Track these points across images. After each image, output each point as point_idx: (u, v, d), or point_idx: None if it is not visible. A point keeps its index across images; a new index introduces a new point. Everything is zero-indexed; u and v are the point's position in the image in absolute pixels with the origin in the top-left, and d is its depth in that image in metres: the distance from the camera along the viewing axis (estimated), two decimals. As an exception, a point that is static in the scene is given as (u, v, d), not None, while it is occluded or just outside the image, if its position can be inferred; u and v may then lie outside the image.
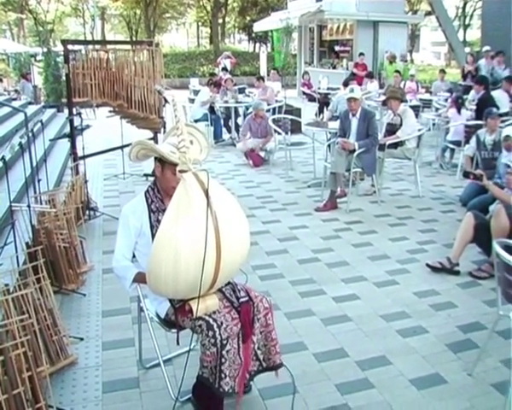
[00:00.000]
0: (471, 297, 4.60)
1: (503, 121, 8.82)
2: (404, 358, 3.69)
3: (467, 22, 42.02)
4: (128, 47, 7.58)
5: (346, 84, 9.34)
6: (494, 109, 7.24)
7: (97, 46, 7.46)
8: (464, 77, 14.09)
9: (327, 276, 4.97)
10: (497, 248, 3.20)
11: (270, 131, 9.12)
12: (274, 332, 3.09)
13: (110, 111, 7.17)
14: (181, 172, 2.72)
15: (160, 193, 3.15)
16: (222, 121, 11.60)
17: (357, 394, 3.29)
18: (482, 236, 4.77)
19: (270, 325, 3.06)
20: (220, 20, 40.61)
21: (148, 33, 35.47)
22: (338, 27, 22.91)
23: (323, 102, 13.97)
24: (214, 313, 2.87)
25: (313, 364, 3.60)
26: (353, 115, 6.97)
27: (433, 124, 11.82)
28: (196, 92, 13.15)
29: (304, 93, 16.33)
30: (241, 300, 2.98)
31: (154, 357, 3.28)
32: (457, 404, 3.22)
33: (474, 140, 7.23)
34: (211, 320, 2.81)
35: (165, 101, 7.14)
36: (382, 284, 4.83)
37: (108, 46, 7.62)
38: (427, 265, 5.12)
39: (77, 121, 6.67)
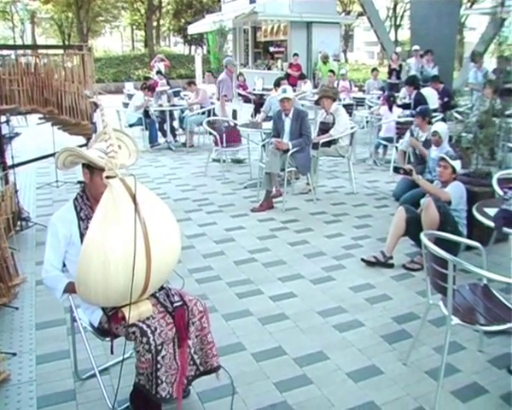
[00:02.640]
0: (405, 289, 4.74)
1: (432, 117, 9.11)
2: (341, 352, 3.76)
3: (398, 22, 43.05)
4: (58, 51, 7.40)
5: (277, 84, 9.39)
6: (426, 109, 7.44)
7: (26, 51, 7.24)
8: (390, 74, 14.47)
9: (264, 276, 5.00)
10: (424, 239, 3.30)
11: None
12: (210, 335, 3.08)
13: (40, 118, 6.99)
14: (108, 177, 2.67)
15: (89, 200, 3.09)
16: (157, 125, 11.48)
17: (296, 390, 3.33)
18: (414, 229, 4.90)
19: (205, 328, 3.06)
20: (155, 23, 40.19)
21: (81, 37, 34.65)
22: (272, 28, 23.12)
23: (259, 102, 14.04)
24: (148, 318, 2.84)
25: (251, 364, 3.61)
26: (286, 115, 7.04)
27: (367, 121, 12.08)
28: (131, 97, 12.97)
29: (239, 94, 16.36)
30: (176, 304, 2.96)
31: (91, 367, 3.21)
32: (393, 393, 3.31)
33: (407, 135, 7.43)
34: (144, 326, 2.78)
35: (96, 106, 7.01)
36: (319, 280, 4.90)
37: (38, 51, 7.41)
38: (362, 259, 5.24)
39: (5, 129, 6.46)
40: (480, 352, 3.78)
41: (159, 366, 2.77)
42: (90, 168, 2.96)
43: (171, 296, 3.00)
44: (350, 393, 3.31)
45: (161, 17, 42.95)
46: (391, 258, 5.15)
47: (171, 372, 2.83)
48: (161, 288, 3.03)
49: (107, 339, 3.01)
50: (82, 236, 2.98)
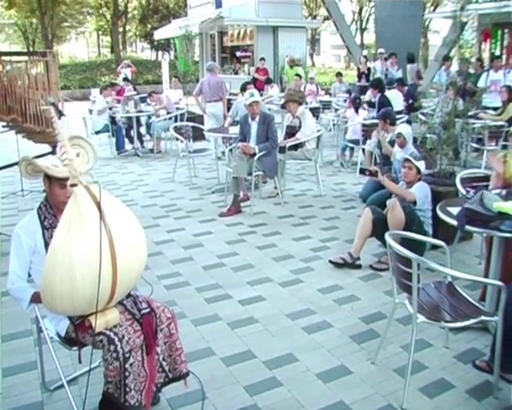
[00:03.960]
0: (372, 289, 4.80)
1: (397, 119, 9.24)
2: (311, 353, 3.79)
3: (363, 26, 43.52)
4: (22, 58, 7.30)
5: (243, 89, 9.41)
6: (386, 111, 7.54)
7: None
8: (359, 77, 14.64)
9: (232, 280, 5.01)
10: (388, 239, 3.35)
11: None
12: (178, 341, 3.08)
13: (4, 126, 6.89)
14: (72, 185, 2.65)
15: (52, 209, 3.07)
16: (124, 132, 11.41)
17: (266, 393, 3.34)
18: (380, 229, 4.96)
19: (173, 334, 3.05)
20: (121, 29, 39.85)
21: (45, 43, 34.16)
22: (239, 33, 23.18)
23: (226, 107, 14.01)
24: (115, 326, 2.83)
25: (221, 368, 3.61)
26: (253, 119, 7.07)
27: (334, 124, 12.18)
28: (97, 103, 12.87)
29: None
30: (143, 311, 2.95)
31: (59, 378, 3.16)
32: (362, 392, 3.35)
33: (374, 137, 7.52)
34: (112, 334, 2.77)
35: (61, 114, 6.93)
36: (287, 283, 4.93)
37: (1, 57, 7.29)
38: (330, 261, 5.28)
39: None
40: (446, 348, 3.85)
41: (127, 373, 2.76)
42: (49, 177, 2.94)
43: (138, 303, 2.99)
44: (319, 393, 3.34)
45: (127, 23, 42.64)
46: (358, 259, 5.21)
47: (140, 380, 2.82)
48: (129, 295, 3.02)
49: (75, 348, 2.98)
50: (47, 245, 2.95)
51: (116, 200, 2.87)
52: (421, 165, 5.23)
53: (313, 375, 3.53)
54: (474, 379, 3.48)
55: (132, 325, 2.88)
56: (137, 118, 11.47)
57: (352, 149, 9.79)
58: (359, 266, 5.20)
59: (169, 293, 4.74)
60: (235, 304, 4.53)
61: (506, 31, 16.00)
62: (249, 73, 20.28)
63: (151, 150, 11.45)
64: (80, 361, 2.91)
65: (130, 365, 2.77)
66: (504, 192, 4.26)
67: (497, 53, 15.85)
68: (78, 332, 2.94)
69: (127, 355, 2.76)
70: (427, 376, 3.53)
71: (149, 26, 39.92)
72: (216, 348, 3.86)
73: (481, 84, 11.07)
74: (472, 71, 11.80)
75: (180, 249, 5.81)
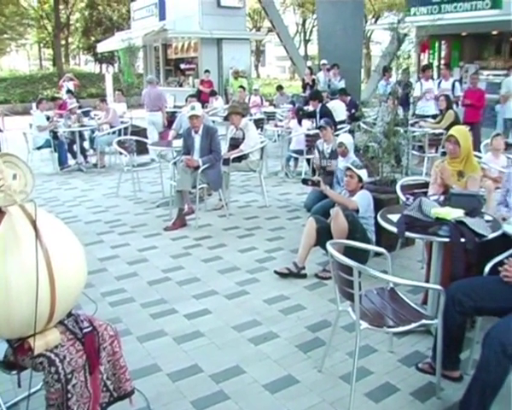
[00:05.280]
0: (318, 297, 4.84)
1: (340, 128, 9.42)
2: (257, 365, 3.79)
3: (307, 37, 44.16)
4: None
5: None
6: (323, 122, 7.65)
7: None
8: (304, 88, 14.83)
9: (178, 294, 4.97)
10: (329, 248, 3.39)
11: None
12: (122, 359, 3.03)
13: None
14: (6, 205, 2.58)
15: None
16: (66, 146, 11.17)
17: (213, 407, 3.33)
18: (324, 238, 4.99)
19: (117, 352, 3.00)
20: (63, 41, 39.21)
21: (-16, 56, 33.37)
22: (183, 45, 23.16)
23: (170, 120, 13.95)
24: (56, 347, 2.75)
25: (168, 384, 3.58)
26: (196, 132, 7.05)
27: (278, 135, 12.29)
28: (39, 118, 12.60)
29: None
30: (85, 330, 2.89)
31: (-1, 403, 3.09)
32: (309, 400, 3.37)
33: (316, 150, 7.61)
34: (52, 355, 2.70)
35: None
36: (233, 295, 4.92)
37: None
38: (276, 272, 5.30)
39: None
40: (390, 353, 3.92)
41: (69, 395, 2.69)
42: None
43: (80, 322, 2.93)
44: (267, 404, 3.34)
45: (70, 35, 42.00)
46: (303, 268, 5.25)
47: (84, 401, 2.76)
48: (70, 314, 2.96)
49: (14, 372, 2.89)
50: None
51: (53, 217, 2.81)
52: (363, 173, 5.33)
53: (260, 386, 3.53)
54: (417, 381, 3.57)
55: (74, 345, 2.82)
56: (80, 132, 11.26)
57: (296, 159, 9.88)
58: (304, 276, 5.24)
59: (114, 310, 4.66)
60: (180, 318, 4.49)
61: (443, 42, 16.54)
62: (194, 86, 20.27)
63: (95, 165, 11.27)
64: (20, 385, 2.83)
65: (73, 386, 2.70)
66: (442, 198, 4.39)
67: (436, 63, 16.37)
68: (17, 355, 2.85)
69: (69, 376, 2.70)
70: (373, 381, 3.58)
71: (93, 38, 39.33)
72: (162, 363, 3.81)
73: (417, 93, 11.41)
74: (412, 80, 12.21)
75: (125, 265, 5.72)
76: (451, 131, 4.88)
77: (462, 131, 4.90)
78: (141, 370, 3.68)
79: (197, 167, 6.79)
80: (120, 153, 8.90)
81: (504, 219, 4.19)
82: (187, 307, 4.67)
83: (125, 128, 11.40)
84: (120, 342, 3.04)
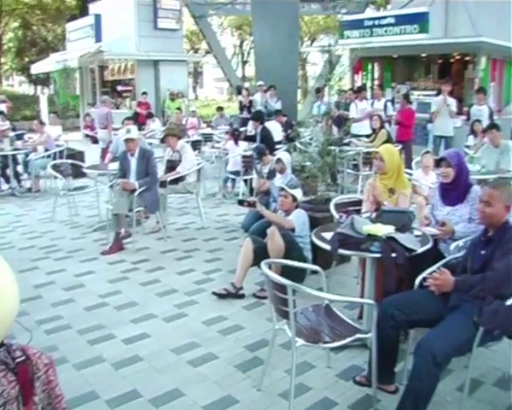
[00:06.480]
0: (256, 317, 4.89)
1: (277, 149, 9.56)
2: (197, 386, 3.79)
3: (245, 59, 44.61)
4: None
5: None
6: (262, 146, 7.78)
7: None
8: (241, 110, 14.97)
9: (116, 319, 4.90)
10: (263, 268, 3.46)
11: None
12: (58, 388, 2.96)
13: None
14: None
15: None
16: (-1, 171, 10.88)
17: (153, 431, 3.31)
18: (261, 258, 5.00)
19: (52, 381, 2.93)
20: (-5, 62, 38.23)
21: None
22: (119, 67, 23.02)
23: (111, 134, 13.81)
24: (-13, 379, 2.69)
25: (106, 411, 3.54)
26: (132, 155, 7.02)
27: (216, 156, 12.34)
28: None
29: (87, 135, 16.01)
30: (18, 360, 2.81)
31: None
32: (248, 420, 3.39)
33: (254, 171, 7.72)
34: (-17, 388, 2.63)
35: None
36: (171, 318, 4.90)
37: None
38: (214, 293, 5.31)
39: None
40: (328, 368, 4.00)
41: (2, 427, 2.63)
42: None
43: (12, 352, 2.86)
44: (206, 426, 3.35)
45: (3, 55, 40.86)
46: (241, 288, 5.28)
47: (17, 432, 2.70)
48: (1, 345, 2.89)
49: None
50: None
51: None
52: (297, 192, 5.44)
53: (200, 408, 3.53)
54: (355, 394, 3.65)
55: (6, 376, 2.75)
56: (14, 156, 10.97)
57: (233, 180, 9.96)
58: (242, 296, 5.27)
59: (50, 338, 4.56)
60: (119, 344, 4.44)
61: (376, 64, 17.10)
62: (131, 108, 20.14)
63: (29, 189, 10.97)
64: None
65: (6, 418, 2.64)
66: (374, 215, 4.53)
67: (369, 84, 16.88)
68: None
69: (1, 409, 2.63)
70: (312, 396, 3.64)
71: (27, 59, 38.44)
72: (100, 390, 3.76)
73: (353, 113, 11.74)
74: (348, 101, 12.58)
75: (61, 291, 5.60)
76: (377, 149, 5.09)
77: (387, 149, 5.09)
78: (78, 398, 3.62)
79: (133, 190, 6.75)
80: (55, 177, 8.72)
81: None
82: (125, 332, 4.62)
83: (61, 151, 11.18)
84: (56, 370, 2.98)
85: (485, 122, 10.60)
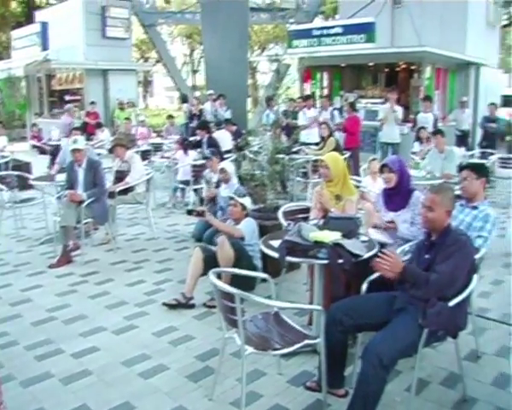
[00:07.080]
0: (207, 326, 4.90)
1: (226, 158, 9.58)
2: (148, 398, 3.78)
3: (195, 68, 44.53)
4: None
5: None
6: (208, 152, 7.79)
7: None
8: (191, 119, 14.95)
9: (64, 333, 4.82)
10: (211, 277, 3.48)
11: None
12: (3, 406, 2.92)
13: None
14: None
15: None
16: None
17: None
18: (211, 267, 5.01)
19: (-4, 399, 2.90)
20: None
21: None
22: (67, 76, 22.65)
23: (55, 153, 13.57)
24: None
25: (55, 427, 3.48)
26: (79, 166, 6.93)
27: (166, 166, 12.28)
28: None
29: (34, 146, 15.72)
30: (-40, 379, 2.77)
31: None
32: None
33: (203, 180, 7.71)
34: None
35: None
36: (121, 330, 4.86)
37: None
38: (164, 303, 5.29)
39: None
40: (279, 375, 4.04)
41: None
42: None
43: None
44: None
45: None
46: (192, 298, 5.27)
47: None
48: None
49: None
50: None
51: None
52: (246, 201, 5.48)
53: (152, 420, 3.53)
54: (306, 400, 3.71)
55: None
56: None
57: (183, 189, 9.93)
58: (193, 306, 5.26)
59: (-5, 355, 4.46)
60: (67, 358, 4.37)
61: (325, 72, 17.32)
62: (79, 117, 19.84)
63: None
64: None
65: None
66: (321, 222, 4.61)
67: (318, 93, 17.08)
68: None
69: None
70: (263, 404, 3.68)
71: (-32, 67, 37.41)
72: (48, 407, 3.70)
73: (301, 121, 11.89)
74: (297, 109, 12.73)
75: (7, 307, 5.45)
76: (322, 157, 5.18)
77: (332, 156, 5.20)
78: (26, 416, 3.56)
79: (81, 202, 6.66)
80: (1, 189, 8.52)
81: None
82: (74, 346, 4.55)
83: (6, 162, 10.95)
84: (1, 388, 2.94)
85: (431, 129, 10.95)
